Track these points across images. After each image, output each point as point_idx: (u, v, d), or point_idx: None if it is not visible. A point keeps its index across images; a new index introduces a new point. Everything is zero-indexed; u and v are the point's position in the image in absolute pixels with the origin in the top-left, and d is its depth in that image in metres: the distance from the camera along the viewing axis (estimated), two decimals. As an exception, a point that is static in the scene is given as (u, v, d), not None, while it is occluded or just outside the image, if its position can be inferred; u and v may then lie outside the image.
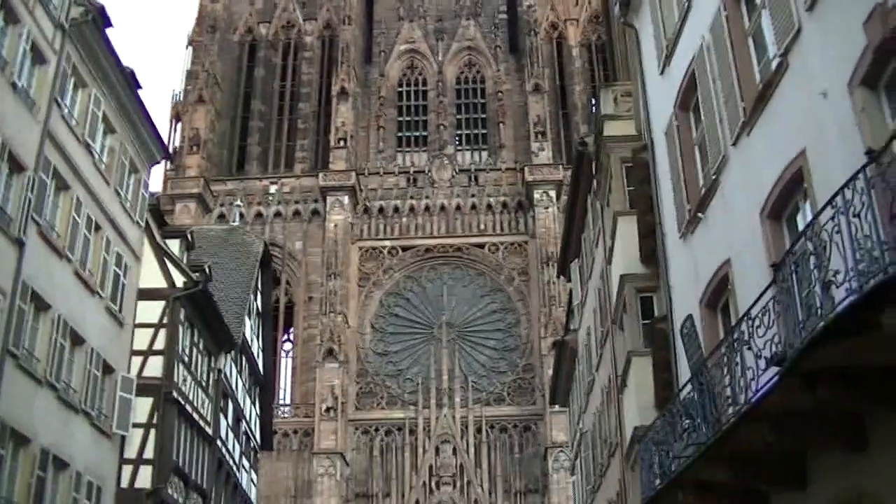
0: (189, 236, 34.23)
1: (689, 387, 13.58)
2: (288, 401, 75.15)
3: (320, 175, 77.78)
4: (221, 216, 75.49)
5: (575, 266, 36.00)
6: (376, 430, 71.49)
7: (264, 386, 45.11)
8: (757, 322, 10.73)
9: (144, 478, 28.34)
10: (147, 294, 29.75)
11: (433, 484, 68.47)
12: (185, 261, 32.57)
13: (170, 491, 29.23)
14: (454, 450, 69.32)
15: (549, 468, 66.96)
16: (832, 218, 8.85)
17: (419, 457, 69.55)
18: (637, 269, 22.70)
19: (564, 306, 54.92)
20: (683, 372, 16.41)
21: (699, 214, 16.53)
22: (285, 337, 79.89)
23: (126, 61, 26.58)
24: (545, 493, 67.03)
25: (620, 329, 24.42)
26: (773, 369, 10.10)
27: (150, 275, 30.06)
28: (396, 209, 78.92)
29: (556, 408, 54.80)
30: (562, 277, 49.89)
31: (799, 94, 12.04)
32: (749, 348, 10.95)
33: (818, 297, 9.22)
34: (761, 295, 10.76)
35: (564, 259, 37.87)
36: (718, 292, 15.77)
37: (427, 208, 78.63)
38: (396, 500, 68.71)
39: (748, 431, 10.98)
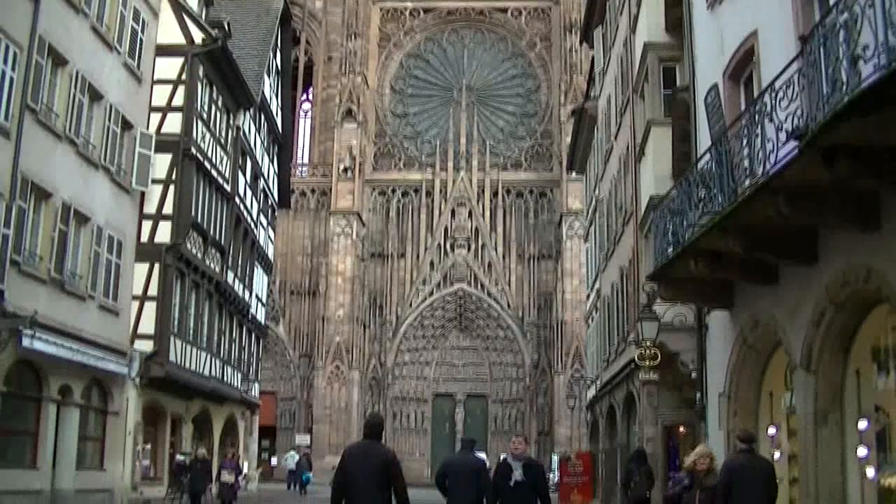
0: (207, -8, 33.59)
1: (707, 157, 13.55)
2: (306, 160, 75.61)
3: (340, -69, 75.38)
4: (239, -29, 73.75)
5: (598, 33, 35.37)
6: (393, 191, 72.17)
7: (283, 145, 45.25)
8: (780, 94, 10.59)
9: (164, 233, 28.89)
10: (165, 50, 29.47)
11: (448, 246, 69.66)
12: (203, 17, 32.09)
13: (188, 246, 29.84)
14: (470, 213, 70.12)
15: (563, 234, 67.82)
16: (866, -10, 8.58)
17: (435, 219, 70.46)
18: (661, 38, 22.34)
19: (585, 74, 54.29)
20: (702, 143, 16.36)
21: (728, -18, 16.08)
22: (304, 97, 79.56)
23: None
24: (558, 259, 68.14)
25: (641, 98, 24.23)
26: (793, 143, 10.04)
27: (168, 31, 29.67)
28: (418, -31, 76.92)
29: (573, 175, 54.95)
30: (584, 44, 49.05)
31: None
32: (770, 120, 10.85)
33: (845, 71, 9.04)
34: (787, 67, 10.57)
35: (588, 25, 37.17)
36: (743, 64, 15.51)
37: (449, -31, 76.60)
38: (411, 260, 70.10)
39: (764, 203, 11.02)
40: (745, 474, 11.08)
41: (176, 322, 29.35)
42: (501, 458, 12.06)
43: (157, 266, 28.55)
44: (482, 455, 27.59)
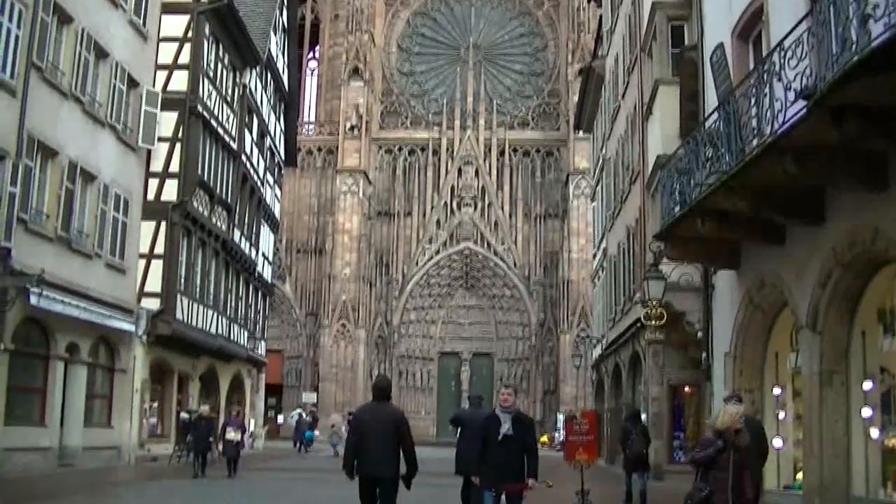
0: (211, -52, 33.33)
1: (715, 116, 13.51)
2: (312, 119, 75.43)
3: None
4: (244, -73, 73.18)
5: (606, -10, 35.14)
6: (399, 149, 71.98)
7: (289, 103, 45.10)
8: (789, 54, 10.54)
9: (170, 191, 28.88)
10: (171, 7, 29.31)
11: (454, 205, 69.59)
12: (208, -26, 31.89)
13: (195, 204, 29.83)
14: (476, 172, 69.99)
15: (570, 194, 67.72)
16: (877, -52, 8.51)
17: (441, 177, 70.37)
18: (670, -4, 22.21)
19: (593, 33, 54.01)
20: (710, 102, 16.29)
21: (738, -61, 15.94)
22: (311, 55, 79.26)
23: None
24: (565, 218, 68.06)
25: (649, 57, 24.12)
26: (801, 103, 9.99)
27: (173, -12, 29.53)
28: (425, -76, 76.31)
29: (580, 134, 54.83)
30: (592, 3, 48.76)
31: None
32: (779, 80, 10.81)
33: (854, 30, 8.99)
34: (796, 26, 10.50)
35: (596, -18, 36.92)
36: (752, 23, 15.43)
37: (457, -76, 75.99)
38: (418, 218, 70.05)
39: (771, 163, 10.99)
40: None
41: (182, 280, 29.41)
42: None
43: (163, 224, 28.56)
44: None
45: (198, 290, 31.04)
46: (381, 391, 10.76)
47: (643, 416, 25.45)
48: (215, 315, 32.70)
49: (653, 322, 21.41)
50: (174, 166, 29.03)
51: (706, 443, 9.15)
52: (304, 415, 49.45)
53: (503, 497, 10.39)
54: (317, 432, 48.02)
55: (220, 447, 24.26)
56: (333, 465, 31.69)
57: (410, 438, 10.36)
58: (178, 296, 28.92)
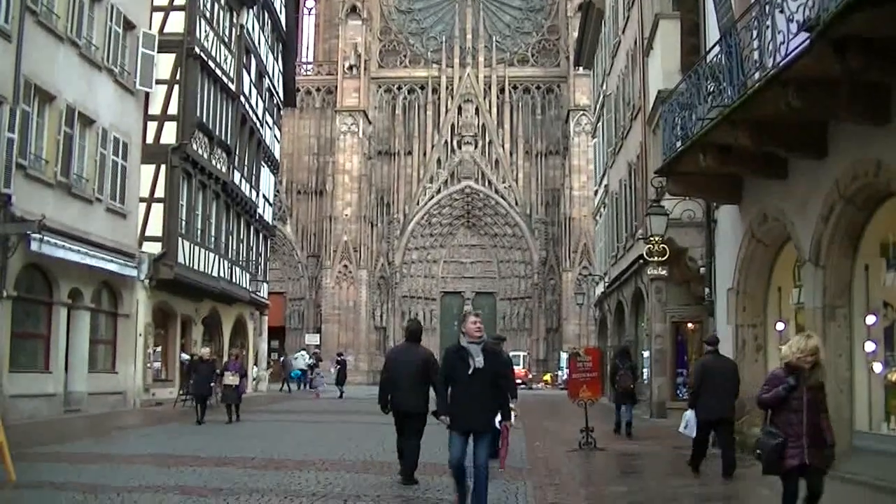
0: None
1: (716, 49, 13.41)
2: (310, 58, 74.92)
3: None
4: None
5: (606, -78, 34.73)
6: (399, 88, 71.62)
7: (287, 43, 44.82)
8: (792, -16, 10.44)
9: (169, 133, 28.80)
10: (165, -53, 29.06)
11: (454, 143, 69.40)
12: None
13: (194, 146, 29.75)
14: (476, 109, 69.71)
15: (571, 130, 67.49)
16: None
17: (441, 116, 70.09)
18: (670, -73, 21.98)
19: (593, -35, 53.40)
20: (711, 36, 16.18)
21: None
22: (307, -7, 78.57)
23: None
24: (566, 155, 67.88)
25: (650, -10, 23.90)
26: (804, 35, 9.92)
27: (167, -72, 29.21)
28: None
29: (580, 70, 54.51)
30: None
31: None
32: (781, 11, 10.71)
33: (858, -40, 8.89)
34: (799, -43, 10.39)
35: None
36: (754, -47, 15.25)
37: None
38: (418, 158, 69.90)
39: (774, 96, 10.94)
40: (714, 371, 12.87)
41: (183, 223, 29.43)
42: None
43: (163, 167, 28.52)
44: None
45: (199, 233, 31.08)
46: (413, 333, 11.98)
47: (645, 354, 25.68)
48: (217, 258, 32.76)
49: (655, 258, 21.48)
50: (173, 109, 28.92)
51: (775, 380, 8.14)
52: (290, 357, 49.52)
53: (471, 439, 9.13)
54: (299, 370, 46.75)
55: (220, 392, 23.74)
56: (335, 406, 31.92)
57: (438, 374, 10.37)
58: (180, 239, 28.97)
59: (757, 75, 11.74)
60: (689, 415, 13.09)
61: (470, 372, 9.10)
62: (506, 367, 10.89)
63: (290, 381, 45.00)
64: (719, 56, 13.17)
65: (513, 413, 10.70)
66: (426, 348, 12.08)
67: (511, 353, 11.44)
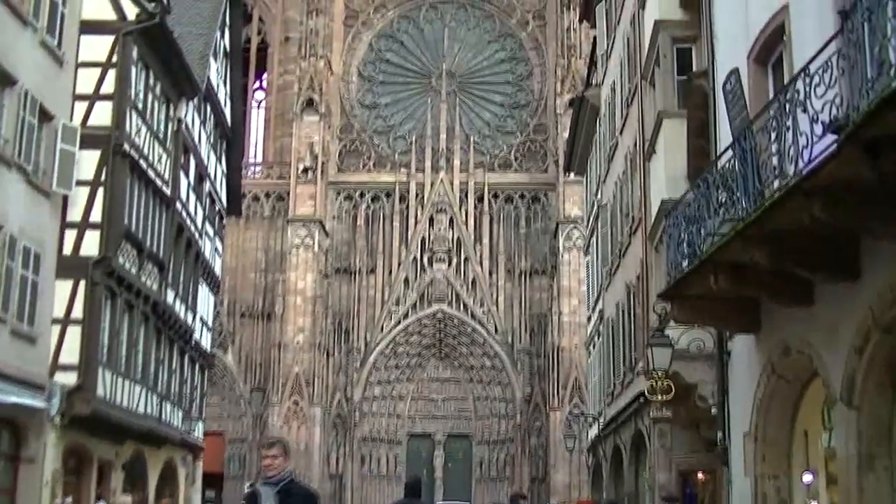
0: (140, -40, 33.45)
1: (728, 154, 13.49)
2: (259, 159, 75.64)
3: None
4: (180, -62, 73.76)
5: (601, 9, 35.42)
6: (361, 195, 72.13)
7: (232, 140, 45.09)
8: (816, 80, 10.51)
9: (91, 244, 28.59)
10: (92, 27, 29.17)
11: (425, 260, 69.65)
12: (136, -11, 31.95)
13: (121, 260, 29.58)
14: (451, 221, 70.15)
15: (560, 246, 67.94)
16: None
17: (410, 228, 70.49)
18: (675, 15, 22.36)
19: (585, 58, 54.39)
20: (723, 137, 16.31)
21: (754, -52, 16.08)
22: (257, 84, 79.63)
23: None
24: (554, 275, 68.20)
25: (651, 85, 24.22)
26: (830, 137, 9.96)
27: (95, 4, 29.45)
28: (390, -65, 77.10)
29: (571, 176, 55.06)
30: (585, 22, 49.14)
31: None
32: (804, 110, 10.77)
33: (893, 50, 8.97)
34: (824, 47, 10.50)
35: (588, 0, 37.21)
36: (771, 45, 15.48)
37: (427, -65, 76.86)
38: (383, 276, 70.07)
39: (796, 207, 10.93)
40: None
41: (105, 350, 29.08)
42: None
43: (82, 283, 28.25)
44: None
45: (123, 362, 30.70)
46: (411, 488, 13.82)
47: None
48: (144, 391, 32.35)
49: (658, 396, 21.33)
50: (96, 215, 28.78)
51: None
52: None
53: None
54: None
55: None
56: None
57: None
58: (100, 369, 28.56)
59: (776, 183, 11.77)
60: None
61: None
62: None
63: None
64: (732, 161, 13.24)
65: None
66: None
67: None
